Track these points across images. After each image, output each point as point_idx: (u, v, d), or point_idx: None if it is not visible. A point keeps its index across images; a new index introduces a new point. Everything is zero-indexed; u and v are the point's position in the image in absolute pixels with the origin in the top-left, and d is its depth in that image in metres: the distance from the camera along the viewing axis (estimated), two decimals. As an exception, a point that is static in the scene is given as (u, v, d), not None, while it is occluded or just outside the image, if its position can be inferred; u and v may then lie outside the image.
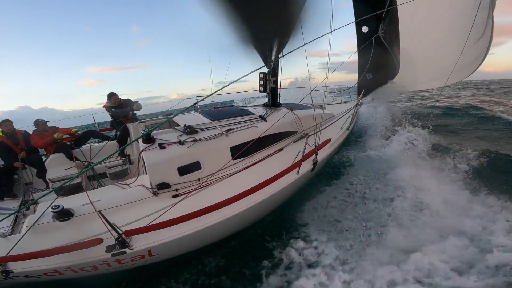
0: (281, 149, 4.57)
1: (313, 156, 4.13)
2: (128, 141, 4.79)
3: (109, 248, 2.51)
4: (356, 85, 7.13)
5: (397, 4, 4.93)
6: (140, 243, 2.65)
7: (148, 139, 3.59)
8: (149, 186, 3.34)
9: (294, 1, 4.11)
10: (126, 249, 2.54)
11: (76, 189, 4.15)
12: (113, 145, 4.82)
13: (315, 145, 4.21)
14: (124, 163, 4.58)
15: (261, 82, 5.26)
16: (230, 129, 4.16)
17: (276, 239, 3.93)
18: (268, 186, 3.29)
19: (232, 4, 3.76)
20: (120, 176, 4.49)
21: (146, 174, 3.46)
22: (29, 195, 4.18)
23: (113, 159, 4.64)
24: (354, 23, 6.27)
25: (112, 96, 4.78)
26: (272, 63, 5.02)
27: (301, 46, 3.77)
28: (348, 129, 5.83)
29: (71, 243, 2.31)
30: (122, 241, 2.52)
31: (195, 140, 3.75)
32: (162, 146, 3.54)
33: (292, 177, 3.80)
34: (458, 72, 5.86)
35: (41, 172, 4.31)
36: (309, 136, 4.97)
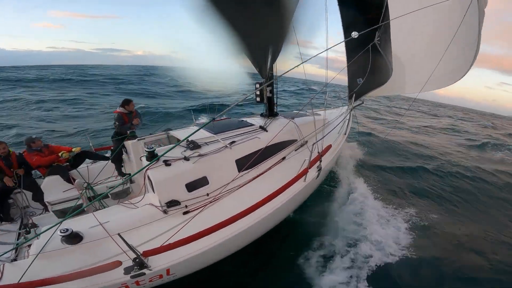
0: (283, 158, 4.63)
1: (318, 163, 4.21)
2: (127, 158, 4.69)
3: (127, 270, 2.44)
4: (347, 90, 7.35)
5: (390, 9, 5.10)
6: (158, 262, 2.60)
7: (152, 156, 3.54)
8: (158, 205, 3.29)
9: (285, 11, 4.24)
10: (145, 270, 2.48)
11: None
12: (110, 164, 4.70)
13: (318, 152, 4.30)
14: (125, 182, 4.47)
15: (257, 92, 5.33)
16: (233, 142, 4.17)
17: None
18: (280, 195, 3.32)
19: (224, 16, 3.83)
20: (121, 195, 4.38)
21: (154, 192, 3.40)
22: (27, 218, 4.01)
23: (113, 179, 4.53)
24: (342, 27, 6.50)
25: (130, 102, 4.51)
26: (267, 73, 5.12)
27: (299, 65, 3.71)
28: (345, 133, 5.98)
29: (89, 267, 2.24)
30: (140, 262, 2.46)
31: (200, 155, 3.74)
32: (167, 163, 3.50)
33: (300, 185, 3.85)
34: (441, 79, 6.20)
35: (37, 195, 4.14)
36: (308, 143, 5.08)
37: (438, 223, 5.39)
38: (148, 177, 3.45)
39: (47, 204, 3.99)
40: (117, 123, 4.44)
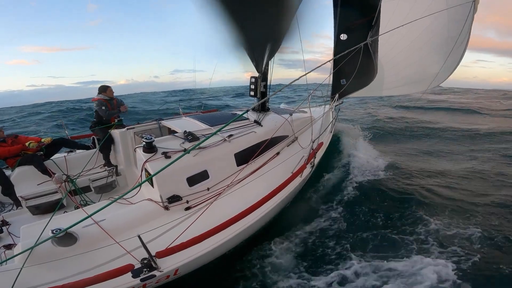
0: (278, 153, 4.63)
1: (312, 160, 4.27)
2: (112, 149, 4.32)
3: (136, 273, 2.24)
4: (330, 88, 7.54)
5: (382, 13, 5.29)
6: (167, 263, 2.43)
7: (150, 148, 3.30)
8: (159, 200, 3.08)
9: (287, 8, 4.20)
10: (155, 272, 2.31)
11: (54, 206, 3.62)
12: (92, 155, 4.28)
13: (312, 149, 4.37)
14: (110, 174, 4.11)
15: (252, 87, 5.24)
16: (231, 135, 4.06)
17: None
18: (282, 191, 3.31)
19: (229, 8, 3.70)
20: (106, 189, 4.03)
21: (153, 187, 3.17)
22: None
23: (97, 171, 4.14)
24: (334, 28, 6.61)
25: (107, 88, 4.15)
26: (263, 68, 5.06)
27: (304, 75, 3.57)
28: (331, 132, 6.15)
29: (99, 273, 2.01)
30: (149, 264, 2.28)
31: (200, 148, 3.57)
32: (167, 155, 3.29)
33: (297, 180, 3.88)
34: (429, 80, 6.61)
35: (7, 188, 3.63)
36: (298, 139, 5.15)
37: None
38: (147, 170, 3.20)
39: (20, 198, 3.52)
40: (103, 107, 4.04)
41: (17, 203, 3.62)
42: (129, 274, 2.22)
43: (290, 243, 4.08)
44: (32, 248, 1.93)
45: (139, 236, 2.14)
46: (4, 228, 3.19)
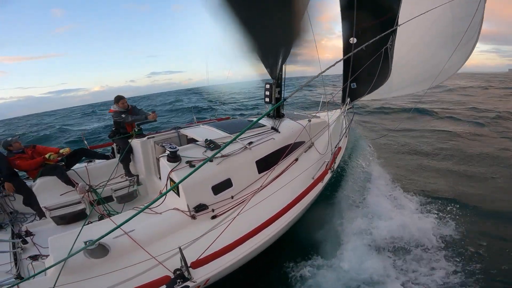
0: (296, 159, 4.60)
1: (332, 164, 4.24)
2: (132, 159, 4.34)
3: (169, 285, 2.22)
4: (341, 93, 7.51)
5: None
6: (200, 273, 2.40)
7: (174, 157, 3.31)
8: (186, 209, 3.07)
9: (297, 12, 4.21)
10: (188, 283, 2.28)
11: (78, 216, 3.65)
12: (112, 164, 4.31)
13: (332, 154, 4.35)
14: (131, 184, 4.12)
15: (267, 93, 5.25)
16: (251, 142, 4.05)
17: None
18: (306, 196, 3.29)
19: (243, 14, 3.73)
20: (127, 199, 4.04)
21: (179, 196, 3.17)
22: (19, 225, 3.53)
23: (118, 180, 4.15)
24: (342, 32, 6.60)
25: (120, 99, 4.23)
26: (277, 74, 5.06)
27: (317, 76, 3.51)
28: (346, 136, 6.11)
29: (137, 286, 1.99)
30: (182, 275, 2.26)
31: (223, 156, 3.57)
32: (191, 164, 3.29)
33: (320, 185, 3.85)
34: (437, 76, 6.53)
35: (29, 198, 3.65)
36: (315, 144, 5.12)
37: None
38: (172, 179, 3.20)
39: (43, 209, 3.54)
40: (123, 115, 4.09)
41: (40, 214, 3.64)
42: (163, 286, 2.20)
43: (306, 245, 4.03)
44: (65, 259, 1.93)
45: (179, 248, 2.13)
46: (28, 238, 3.20)
